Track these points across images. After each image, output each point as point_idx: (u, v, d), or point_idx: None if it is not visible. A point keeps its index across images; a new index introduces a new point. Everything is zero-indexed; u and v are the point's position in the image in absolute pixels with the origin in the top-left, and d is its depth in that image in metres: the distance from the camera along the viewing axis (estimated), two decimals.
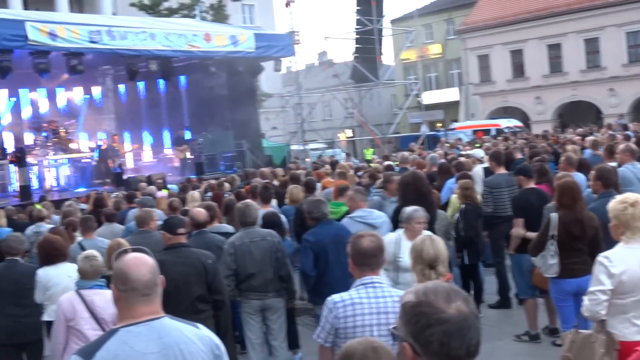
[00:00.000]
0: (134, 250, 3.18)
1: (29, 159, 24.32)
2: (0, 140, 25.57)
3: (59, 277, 6.93)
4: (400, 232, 6.63)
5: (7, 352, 7.58)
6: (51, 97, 27.96)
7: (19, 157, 22.03)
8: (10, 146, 25.69)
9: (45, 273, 7.05)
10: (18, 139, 26.52)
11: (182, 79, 28.55)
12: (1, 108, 26.72)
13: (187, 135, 28.47)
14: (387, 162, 14.99)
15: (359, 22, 36.17)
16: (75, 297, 5.75)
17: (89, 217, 9.63)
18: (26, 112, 27.44)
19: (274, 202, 10.72)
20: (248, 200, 8.13)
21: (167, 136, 29.91)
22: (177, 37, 22.35)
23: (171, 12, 36.93)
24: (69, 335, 5.65)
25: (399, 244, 6.47)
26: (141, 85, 29.20)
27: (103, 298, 5.70)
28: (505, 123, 36.29)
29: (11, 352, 7.57)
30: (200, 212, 7.67)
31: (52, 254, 7.09)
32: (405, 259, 6.11)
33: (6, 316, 7.48)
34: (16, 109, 27.13)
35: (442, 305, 2.08)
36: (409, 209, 6.66)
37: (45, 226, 11.08)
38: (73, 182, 25.22)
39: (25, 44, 19.01)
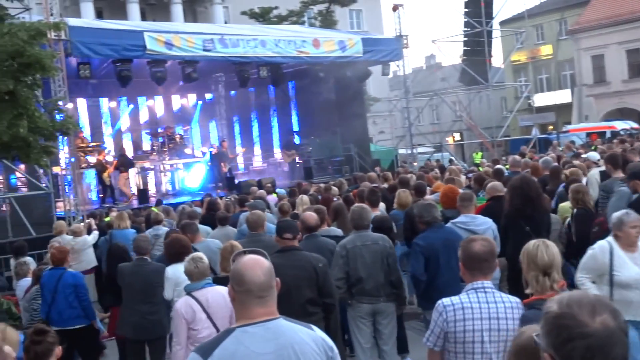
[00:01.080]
0: (251, 252, 3.25)
1: (146, 164, 25.30)
2: (119, 145, 26.72)
3: (183, 274, 7.20)
4: (610, 239, 6.01)
5: (134, 348, 7.97)
6: (167, 104, 28.99)
7: (121, 163, 22.77)
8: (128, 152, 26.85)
9: (174, 270, 7.33)
10: (136, 145, 27.64)
11: (291, 84, 28.98)
12: (121, 115, 27.89)
13: (296, 139, 28.85)
14: (497, 166, 14.68)
15: (467, 24, 35.65)
16: (191, 300, 5.93)
17: (191, 222, 9.95)
18: (143, 119, 28.53)
19: (382, 206, 10.70)
20: (363, 204, 8.13)
21: (276, 141, 30.41)
22: (287, 43, 22.69)
23: (281, 20, 37.58)
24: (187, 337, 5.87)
25: (612, 255, 5.86)
26: (251, 91, 29.82)
27: (216, 295, 5.88)
28: (621, 125, 34.82)
29: (137, 348, 7.95)
30: (311, 216, 7.71)
31: (180, 251, 7.37)
32: (624, 273, 5.79)
33: (135, 312, 7.88)
34: (134, 116, 28.26)
35: (586, 318, 1.97)
36: (619, 212, 6.09)
37: (162, 229, 11.46)
38: (187, 186, 26.05)
39: (144, 54, 19.74)
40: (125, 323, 8.09)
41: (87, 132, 25.94)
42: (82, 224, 13.62)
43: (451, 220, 7.75)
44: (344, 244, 7.22)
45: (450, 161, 27.96)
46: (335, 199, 12.25)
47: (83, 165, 22.76)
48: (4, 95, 10.23)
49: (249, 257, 3.20)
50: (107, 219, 14.54)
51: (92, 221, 14.00)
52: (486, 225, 7.61)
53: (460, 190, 9.44)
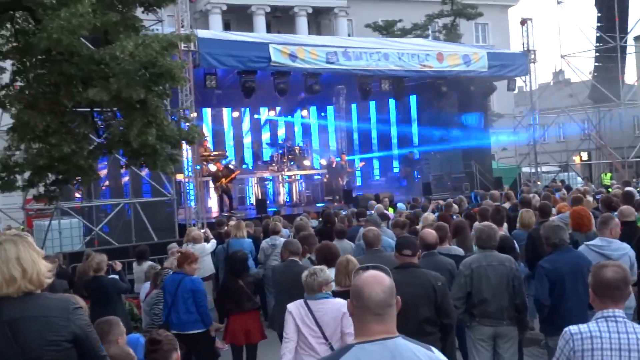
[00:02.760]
0: (374, 268, 3.24)
1: (265, 174, 25.81)
2: (241, 154, 27.44)
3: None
4: None
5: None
6: (287, 115, 29.53)
7: (224, 175, 23.09)
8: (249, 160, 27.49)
9: None
10: (256, 155, 28.29)
11: (413, 98, 28.88)
12: (244, 126, 28.61)
13: (416, 154, 28.66)
14: (627, 188, 14.07)
15: (599, 39, 34.48)
16: (303, 304, 6.07)
17: (310, 234, 10.09)
18: (265, 130, 29.13)
19: (505, 225, 10.46)
20: (491, 223, 7.95)
21: (395, 155, 30.32)
22: (410, 57, 22.63)
23: (404, 33, 37.56)
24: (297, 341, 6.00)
25: None
26: (372, 104, 29.91)
27: (328, 308, 5.96)
28: None
29: None
30: (430, 233, 7.64)
31: (328, 257, 7.57)
32: None
33: (283, 309, 8.11)
34: (256, 127, 28.91)
35: None
36: None
37: (280, 239, 11.61)
38: (305, 197, 26.38)
39: (268, 65, 20.22)
40: (275, 319, 8.36)
41: (209, 140, 26.72)
42: (201, 231, 13.97)
43: (585, 243, 7.47)
44: (469, 263, 7.08)
45: (586, 180, 27.01)
46: (454, 217, 12.08)
47: (205, 174, 23.38)
48: (135, 104, 10.66)
49: (369, 273, 3.19)
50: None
51: (208, 230, 14.28)
52: (622, 251, 7.28)
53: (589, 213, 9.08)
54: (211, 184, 23.90)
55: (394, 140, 30.44)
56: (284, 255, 9.10)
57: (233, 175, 23.39)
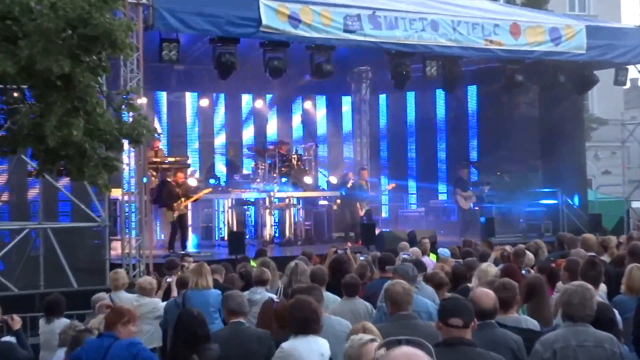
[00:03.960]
0: (408, 342, 3.24)
1: (245, 195, 25.69)
2: (211, 163, 27.39)
3: (310, 354, 7.27)
4: None
5: None
6: (282, 108, 29.49)
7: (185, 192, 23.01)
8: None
9: (291, 346, 7.49)
10: (232, 165, 28.13)
11: (472, 91, 28.85)
12: (217, 120, 28.50)
13: (473, 175, 28.61)
14: None
15: None
16: None
17: (313, 286, 10.09)
18: (247, 128, 29.07)
19: (602, 287, 10.45)
20: (584, 282, 7.92)
21: (443, 174, 30.23)
22: (470, 27, 22.57)
23: None
24: None
25: None
26: (410, 96, 29.87)
27: None
28: None
29: None
30: (487, 295, 7.60)
31: (309, 317, 7.53)
32: None
33: None
34: (235, 123, 28.92)
35: None
36: None
37: (264, 293, 11.60)
38: (303, 232, 26.28)
39: (257, 31, 19.95)
40: None
41: (163, 140, 26.63)
42: (154, 279, 13.84)
43: None
44: (550, 342, 7.03)
45: None
46: (524, 271, 12.06)
47: (154, 190, 23.19)
48: (55, 81, 10.60)
49: (401, 350, 3.21)
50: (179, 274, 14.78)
51: (174, 280, 14.02)
52: None
53: None
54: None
55: (441, 152, 30.41)
56: (224, 316, 9.17)
57: (199, 195, 23.36)
